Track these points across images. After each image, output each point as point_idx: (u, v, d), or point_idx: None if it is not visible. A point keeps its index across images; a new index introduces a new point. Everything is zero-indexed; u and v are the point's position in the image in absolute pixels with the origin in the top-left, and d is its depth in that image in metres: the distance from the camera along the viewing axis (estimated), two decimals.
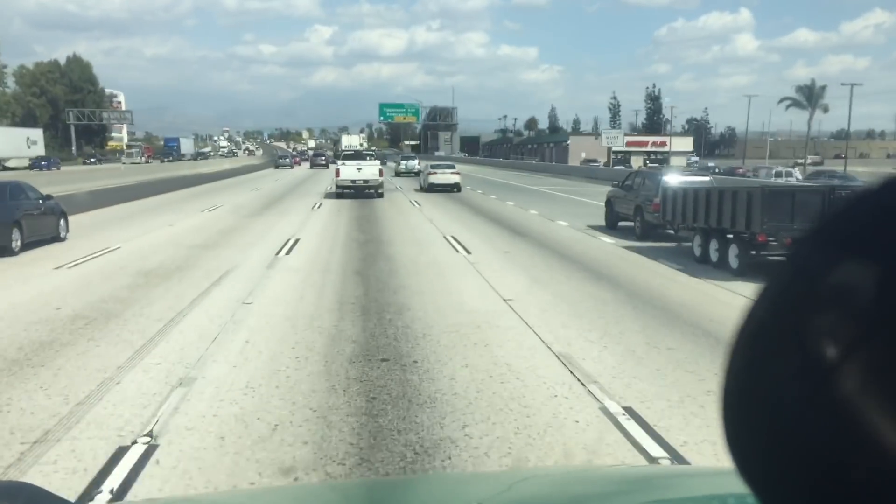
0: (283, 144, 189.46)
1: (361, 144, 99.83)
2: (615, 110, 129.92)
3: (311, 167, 67.82)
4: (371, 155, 30.89)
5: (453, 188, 32.41)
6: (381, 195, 27.94)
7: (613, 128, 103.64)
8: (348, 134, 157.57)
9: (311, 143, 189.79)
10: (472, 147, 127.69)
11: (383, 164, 45.56)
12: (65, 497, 1.34)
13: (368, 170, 27.98)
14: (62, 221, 15.51)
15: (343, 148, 71.88)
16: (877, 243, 0.35)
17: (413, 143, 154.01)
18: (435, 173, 33.26)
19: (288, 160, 74.22)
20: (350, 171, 27.98)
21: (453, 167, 34.19)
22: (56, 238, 15.19)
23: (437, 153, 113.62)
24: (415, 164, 49.33)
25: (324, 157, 75.56)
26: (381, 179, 28.18)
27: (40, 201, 14.87)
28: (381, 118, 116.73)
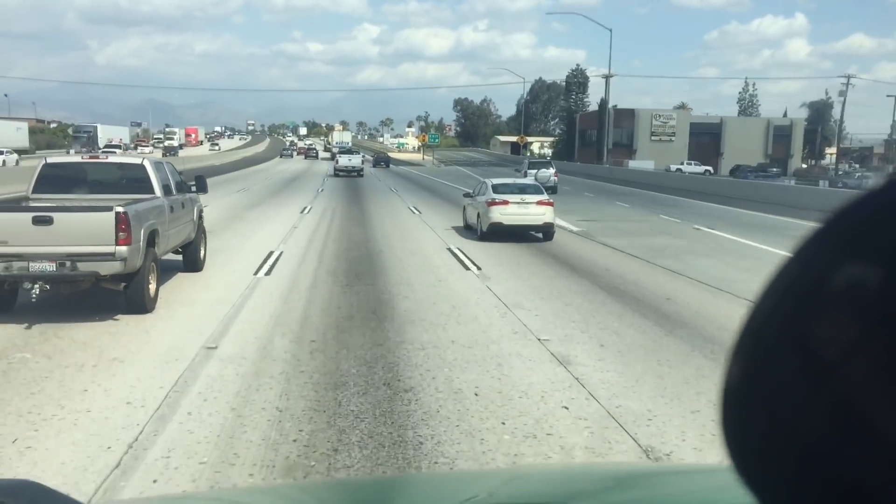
0: (315, 136, 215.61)
1: (422, 141, 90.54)
2: None
3: (306, 158, 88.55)
4: (356, 151, 56.61)
5: (540, 232, 16.15)
6: (362, 175, 46.68)
7: None
8: (392, 129, 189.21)
9: (303, 131, 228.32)
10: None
11: (377, 164, 66.17)
12: (71, 496, 1.36)
13: (355, 160, 48.37)
14: None
15: (336, 143, 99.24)
16: (880, 243, 0.35)
17: (546, 140, 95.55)
18: (505, 202, 15.66)
19: (289, 151, 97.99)
20: (344, 161, 48.28)
21: (546, 196, 16.37)
22: None
23: (631, 163, 57.30)
24: (549, 174, 33.00)
25: (315, 150, 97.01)
26: (362, 166, 48.33)
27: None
28: None
